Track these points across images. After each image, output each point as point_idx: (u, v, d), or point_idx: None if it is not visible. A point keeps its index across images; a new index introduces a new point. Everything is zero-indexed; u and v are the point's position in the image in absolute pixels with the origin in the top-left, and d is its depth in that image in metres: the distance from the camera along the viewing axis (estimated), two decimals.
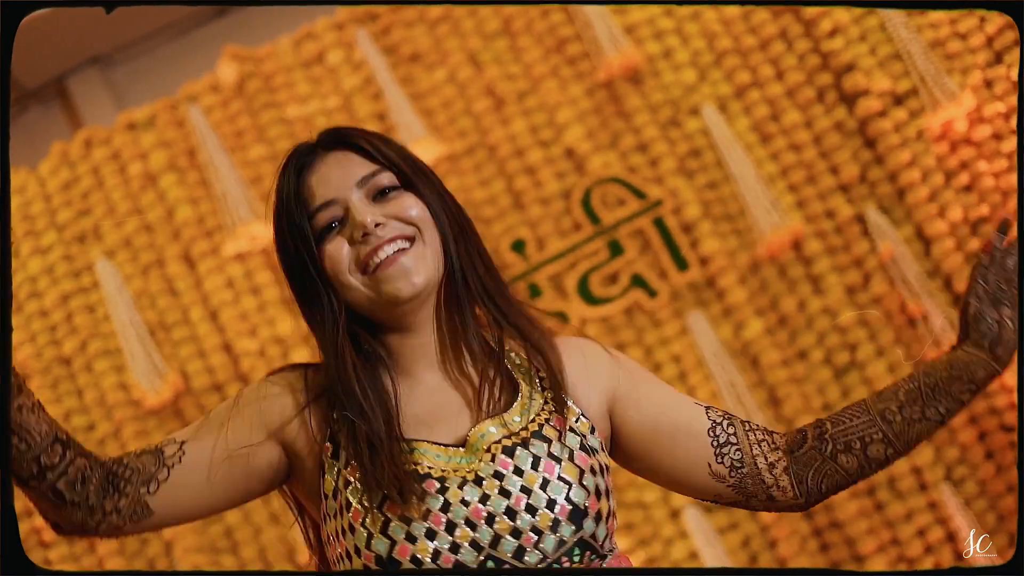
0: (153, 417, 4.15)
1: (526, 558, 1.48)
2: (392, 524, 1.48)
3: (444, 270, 1.61)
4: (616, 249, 4.17)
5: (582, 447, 1.55)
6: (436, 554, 1.47)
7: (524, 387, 1.59)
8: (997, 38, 4.14)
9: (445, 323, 1.62)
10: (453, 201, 1.64)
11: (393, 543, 1.48)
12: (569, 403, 1.58)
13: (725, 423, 1.63)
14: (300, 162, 1.62)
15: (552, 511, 1.49)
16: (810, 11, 4.20)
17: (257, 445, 1.59)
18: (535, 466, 1.51)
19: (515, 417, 1.56)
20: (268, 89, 4.37)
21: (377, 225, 1.57)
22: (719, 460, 1.61)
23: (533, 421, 1.56)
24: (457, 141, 4.25)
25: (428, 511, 1.48)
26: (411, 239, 1.58)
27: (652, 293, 4.13)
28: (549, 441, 1.53)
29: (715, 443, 1.62)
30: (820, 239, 4.12)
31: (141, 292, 4.22)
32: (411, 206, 1.60)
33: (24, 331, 4.23)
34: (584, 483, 1.51)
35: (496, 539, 1.48)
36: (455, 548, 1.47)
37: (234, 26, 4.86)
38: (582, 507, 1.50)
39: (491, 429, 1.55)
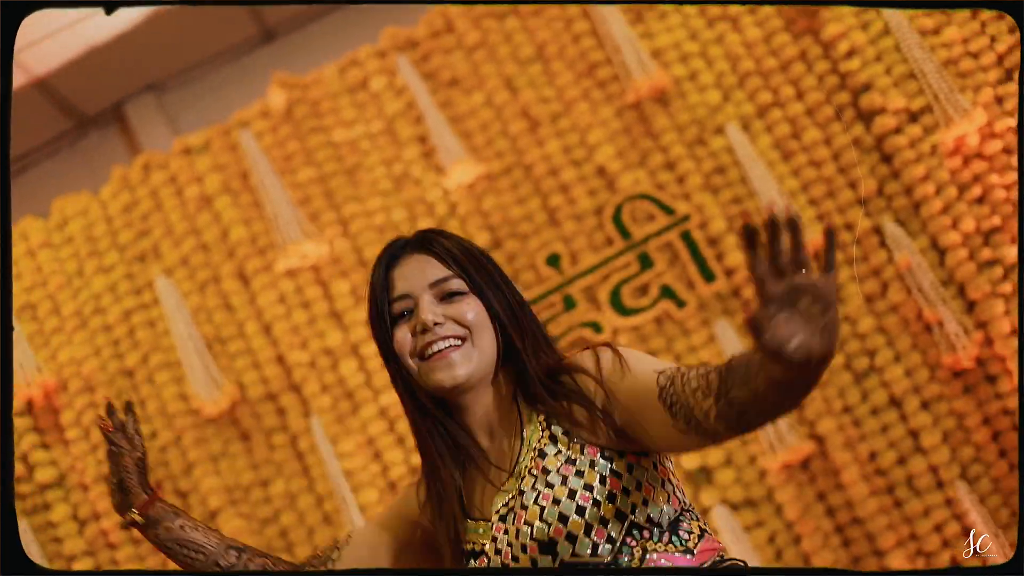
0: (211, 425, 4.38)
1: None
2: None
3: (498, 357, 1.89)
4: (646, 262, 4.37)
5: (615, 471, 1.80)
6: None
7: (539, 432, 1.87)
8: (1007, 56, 4.31)
9: (494, 406, 1.92)
10: (508, 285, 1.93)
11: None
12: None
13: (668, 384, 1.72)
14: (389, 257, 1.94)
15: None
16: (828, 33, 4.38)
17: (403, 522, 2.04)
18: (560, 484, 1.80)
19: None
20: (315, 114, 4.59)
21: (436, 324, 1.86)
22: (675, 419, 1.71)
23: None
24: (494, 161, 4.46)
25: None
26: (463, 339, 1.86)
27: (681, 304, 4.32)
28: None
29: (667, 406, 1.72)
30: (839, 250, 4.31)
31: (198, 308, 4.45)
32: (468, 311, 1.88)
33: (89, 345, 4.46)
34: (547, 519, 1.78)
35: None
36: None
37: (281, 53, 5.10)
38: (547, 540, 1.77)
39: (496, 500, 1.86)
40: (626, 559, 1.78)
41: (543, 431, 1.84)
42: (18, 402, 4.43)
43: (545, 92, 4.49)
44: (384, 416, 4.32)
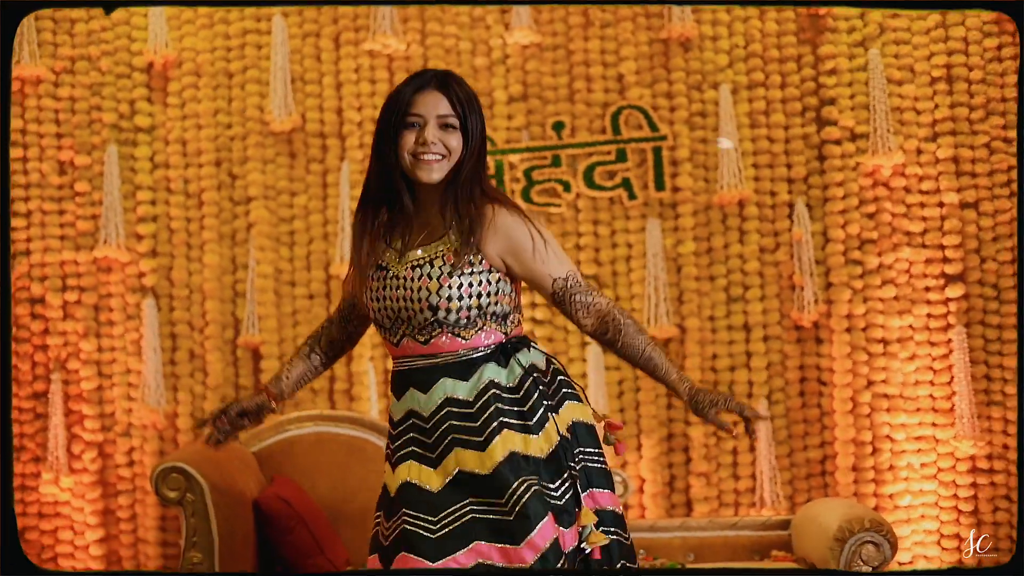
0: (273, 137, 5.74)
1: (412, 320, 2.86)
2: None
3: (453, 171, 2.89)
4: (621, 156, 5.68)
5: (450, 274, 2.84)
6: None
7: (445, 237, 2.89)
8: (941, 123, 5.61)
9: (441, 195, 2.91)
10: (483, 137, 2.91)
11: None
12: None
13: (560, 292, 2.95)
14: (418, 83, 2.89)
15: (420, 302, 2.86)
16: (823, 50, 5.63)
17: None
18: (419, 277, 2.86)
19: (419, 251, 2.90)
20: None
21: (432, 143, 2.85)
22: (552, 299, 2.97)
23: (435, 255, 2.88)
24: (548, 36, 5.67)
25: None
26: (443, 156, 2.86)
27: (632, 196, 5.66)
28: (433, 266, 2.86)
29: (552, 297, 2.96)
30: (759, 206, 5.65)
31: (295, 49, 5.76)
32: (454, 140, 2.87)
33: (209, 42, 5.77)
34: (439, 293, 2.82)
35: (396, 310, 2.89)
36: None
37: None
38: (436, 304, 2.84)
39: (418, 252, 2.89)
40: (463, 321, 2.84)
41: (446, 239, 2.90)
42: (141, 61, 5.79)
43: (607, 4, 5.75)
44: None
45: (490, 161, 5.43)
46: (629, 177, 5.67)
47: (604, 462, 2.96)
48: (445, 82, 2.90)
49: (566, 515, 2.81)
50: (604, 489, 2.92)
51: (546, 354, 3.00)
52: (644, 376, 5.37)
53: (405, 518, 2.82)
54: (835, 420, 5.54)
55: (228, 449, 4.71)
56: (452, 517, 2.79)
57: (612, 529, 2.89)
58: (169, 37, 5.76)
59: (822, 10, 5.64)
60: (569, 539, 2.80)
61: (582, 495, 2.85)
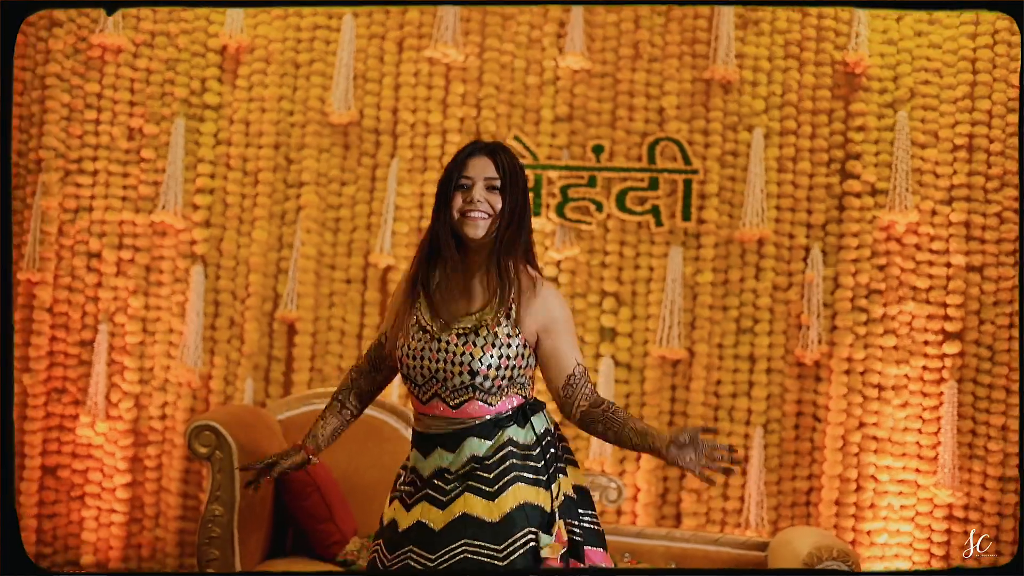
0: (330, 128, 6.11)
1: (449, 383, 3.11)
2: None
3: (496, 235, 3.14)
4: (654, 184, 6.02)
5: (493, 344, 3.09)
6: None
7: (489, 307, 3.13)
8: (957, 188, 5.92)
9: (487, 257, 3.15)
10: (525, 205, 3.18)
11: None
12: (502, 319, 3.11)
13: (573, 378, 3.16)
14: (471, 150, 3.20)
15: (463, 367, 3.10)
16: (854, 107, 5.95)
17: None
18: (463, 343, 3.10)
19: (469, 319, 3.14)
20: None
21: (479, 201, 3.13)
22: (558, 385, 3.18)
23: (480, 322, 3.12)
24: (598, 64, 6.03)
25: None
26: (488, 215, 3.13)
27: (659, 223, 6.00)
28: (479, 334, 3.10)
29: (559, 382, 3.16)
30: (777, 247, 6.00)
31: (360, 49, 6.12)
32: (497, 202, 3.15)
33: (281, 32, 6.15)
34: (480, 361, 3.07)
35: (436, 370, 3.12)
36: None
37: None
38: (476, 370, 3.08)
39: (463, 320, 3.13)
40: (488, 384, 3.09)
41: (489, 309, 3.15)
42: (216, 43, 6.16)
43: (656, 40, 6.08)
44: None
45: (530, 175, 5.81)
46: (659, 205, 6.01)
47: (598, 523, 3.23)
48: (494, 150, 3.23)
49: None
50: (597, 548, 3.20)
51: (554, 422, 3.29)
52: (649, 392, 5.78)
53: (412, 555, 3.11)
54: (824, 455, 5.87)
55: (256, 415, 5.10)
56: (448, 555, 3.07)
57: None
58: (245, 24, 6.13)
59: (858, 68, 5.96)
60: None
61: (589, 549, 3.16)
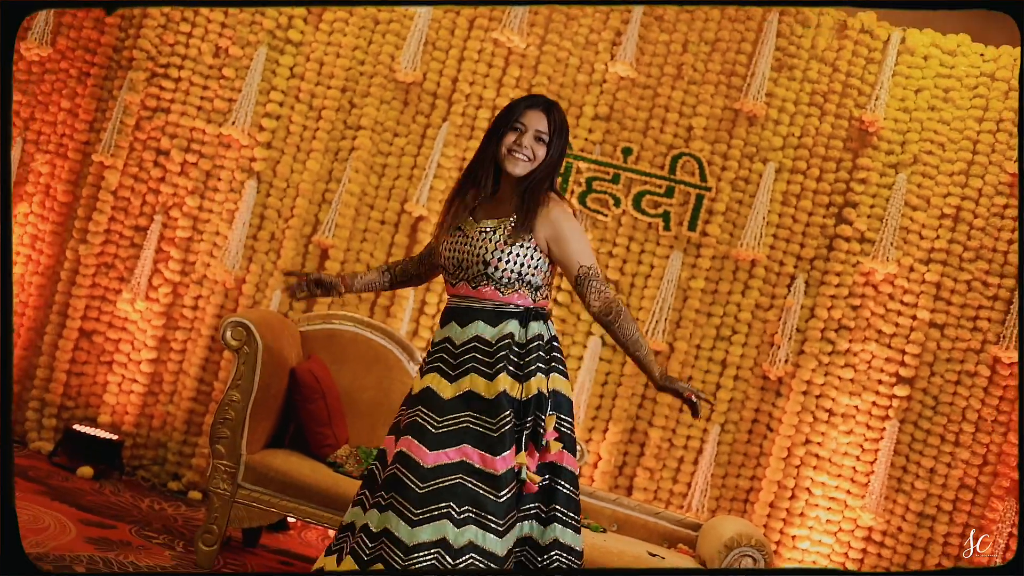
0: (396, 85, 6.74)
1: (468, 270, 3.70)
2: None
3: (529, 175, 3.71)
4: (670, 193, 6.65)
5: (506, 242, 3.66)
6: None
7: (510, 217, 3.72)
8: (936, 252, 6.55)
9: (516, 186, 3.75)
10: (561, 155, 3.75)
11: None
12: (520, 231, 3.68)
13: (583, 277, 3.70)
14: (528, 102, 3.74)
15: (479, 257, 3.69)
16: (862, 161, 6.57)
17: None
18: (482, 240, 3.69)
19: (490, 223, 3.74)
20: None
21: (525, 146, 3.69)
22: (575, 288, 3.83)
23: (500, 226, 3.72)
24: (642, 75, 6.66)
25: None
26: (530, 159, 3.70)
27: (667, 228, 6.64)
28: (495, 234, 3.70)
29: (572, 279, 3.72)
30: (766, 270, 6.63)
31: (427, 42, 6.74)
32: (541, 151, 3.71)
33: None
34: (493, 254, 3.63)
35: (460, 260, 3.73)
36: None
37: None
38: (488, 260, 3.66)
39: (487, 222, 3.74)
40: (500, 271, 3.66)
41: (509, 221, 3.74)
42: None
43: (699, 65, 6.70)
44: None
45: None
46: (670, 211, 6.64)
47: (574, 431, 3.78)
48: (549, 108, 3.77)
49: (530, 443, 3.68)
50: (571, 453, 3.70)
51: (552, 332, 3.75)
52: (627, 375, 6.43)
53: (419, 412, 3.69)
54: (769, 461, 6.54)
55: (282, 322, 5.76)
56: (452, 421, 3.64)
57: (567, 485, 3.73)
58: None
59: (872, 127, 6.57)
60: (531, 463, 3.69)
61: (564, 451, 3.71)
